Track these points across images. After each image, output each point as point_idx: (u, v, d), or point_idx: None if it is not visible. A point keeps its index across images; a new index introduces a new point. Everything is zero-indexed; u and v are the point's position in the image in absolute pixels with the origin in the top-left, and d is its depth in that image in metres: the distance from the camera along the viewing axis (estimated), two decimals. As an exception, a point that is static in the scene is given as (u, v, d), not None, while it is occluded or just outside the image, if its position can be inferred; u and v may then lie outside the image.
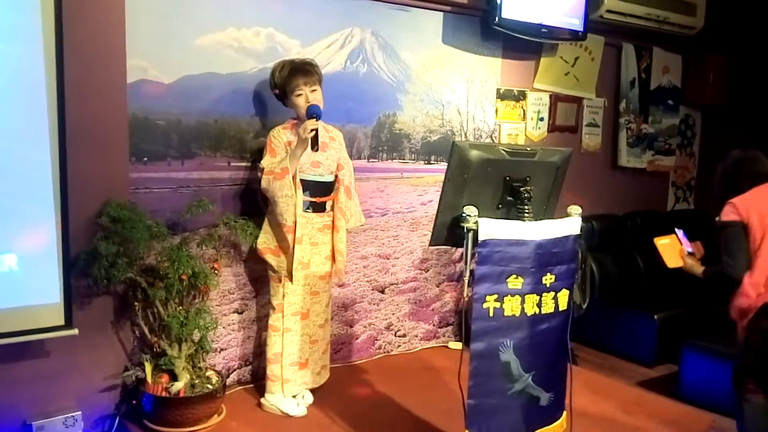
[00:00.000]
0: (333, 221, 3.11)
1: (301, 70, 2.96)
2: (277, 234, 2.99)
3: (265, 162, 2.94)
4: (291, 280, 2.98)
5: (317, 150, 2.89)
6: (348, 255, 3.62)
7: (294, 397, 3.10)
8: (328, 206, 3.10)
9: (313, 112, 2.88)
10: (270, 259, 3.01)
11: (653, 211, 5.01)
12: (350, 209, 3.15)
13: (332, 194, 3.11)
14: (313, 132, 2.84)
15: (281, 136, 2.97)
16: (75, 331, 2.64)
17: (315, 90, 2.97)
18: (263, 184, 2.92)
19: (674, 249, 2.98)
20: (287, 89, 2.95)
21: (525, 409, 2.34)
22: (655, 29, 4.52)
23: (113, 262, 2.65)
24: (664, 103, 5.02)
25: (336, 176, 3.10)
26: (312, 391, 3.20)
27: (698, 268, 2.92)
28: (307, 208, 3.02)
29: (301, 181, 2.96)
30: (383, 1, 3.58)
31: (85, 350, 2.82)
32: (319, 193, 3.05)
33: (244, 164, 3.21)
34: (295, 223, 2.92)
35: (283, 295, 3.02)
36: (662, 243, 3.01)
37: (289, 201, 2.89)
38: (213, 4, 3.04)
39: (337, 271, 3.17)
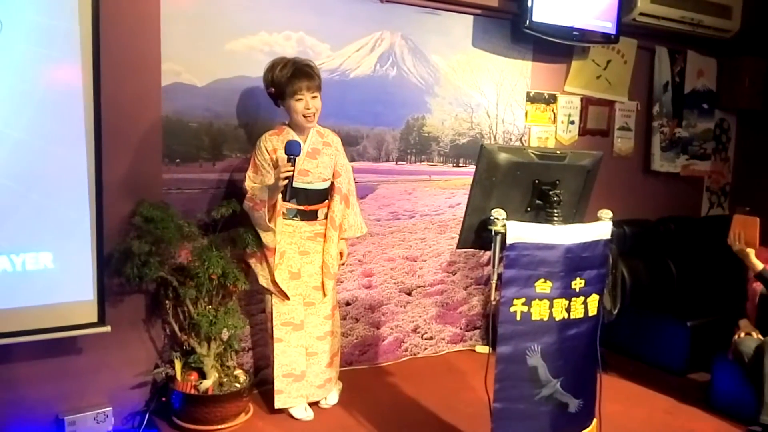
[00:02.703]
0: (324, 231, 3.00)
1: (304, 73, 2.82)
2: (260, 243, 2.93)
3: (247, 182, 2.88)
4: (284, 297, 2.92)
5: (288, 200, 2.81)
6: (375, 257, 3.65)
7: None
8: (320, 214, 3.00)
9: (291, 152, 2.70)
10: (254, 265, 2.97)
11: (687, 217, 4.91)
12: (347, 219, 3.03)
13: (326, 202, 3.01)
14: (287, 180, 2.69)
15: (267, 144, 2.87)
16: (107, 329, 2.69)
17: (315, 97, 2.84)
18: (244, 205, 2.88)
19: (745, 229, 2.96)
20: (287, 91, 2.81)
21: (553, 415, 2.31)
22: (689, 32, 4.44)
23: (145, 261, 2.70)
24: (699, 107, 4.92)
25: (332, 183, 3.01)
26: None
27: (756, 261, 2.95)
28: (294, 216, 2.95)
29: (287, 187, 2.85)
30: (413, 5, 3.59)
31: (117, 347, 2.88)
32: (308, 201, 2.96)
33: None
34: (275, 249, 2.88)
35: (272, 305, 2.95)
36: (740, 217, 3.02)
37: (267, 235, 2.87)
38: (245, 9, 3.08)
39: (324, 284, 3.00)
